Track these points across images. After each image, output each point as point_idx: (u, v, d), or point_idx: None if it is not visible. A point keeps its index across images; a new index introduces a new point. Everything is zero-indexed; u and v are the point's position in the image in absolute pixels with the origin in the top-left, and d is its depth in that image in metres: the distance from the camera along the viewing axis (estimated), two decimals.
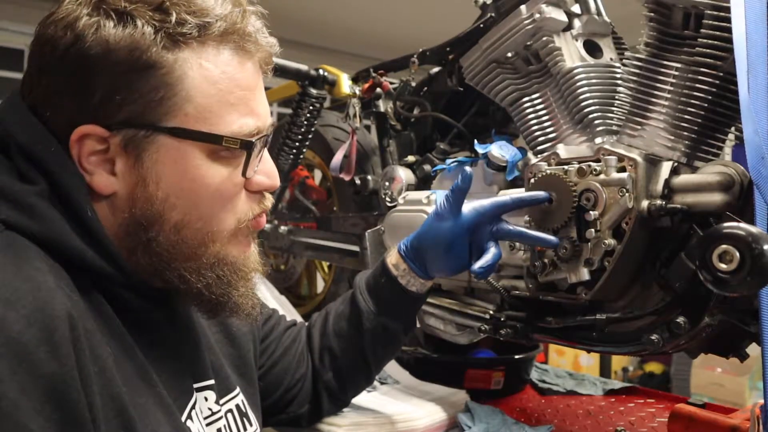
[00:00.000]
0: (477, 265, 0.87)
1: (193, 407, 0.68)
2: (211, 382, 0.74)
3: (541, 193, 0.88)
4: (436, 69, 1.31)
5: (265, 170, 0.69)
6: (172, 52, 0.60)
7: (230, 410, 0.76)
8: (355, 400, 1.04)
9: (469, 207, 0.89)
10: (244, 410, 0.79)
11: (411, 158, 1.32)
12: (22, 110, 0.62)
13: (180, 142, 0.61)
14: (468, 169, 0.88)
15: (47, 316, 0.51)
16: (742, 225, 0.67)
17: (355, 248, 1.39)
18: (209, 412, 0.72)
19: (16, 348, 0.49)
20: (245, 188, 0.67)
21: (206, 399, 0.72)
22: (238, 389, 0.80)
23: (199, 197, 0.63)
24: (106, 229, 0.61)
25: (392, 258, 0.96)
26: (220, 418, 0.73)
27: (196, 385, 0.71)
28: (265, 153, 0.69)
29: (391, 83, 1.38)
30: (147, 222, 0.62)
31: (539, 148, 1.00)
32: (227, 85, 0.63)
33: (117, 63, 0.58)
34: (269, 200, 0.72)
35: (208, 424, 0.71)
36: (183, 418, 0.65)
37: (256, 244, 0.74)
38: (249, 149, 0.64)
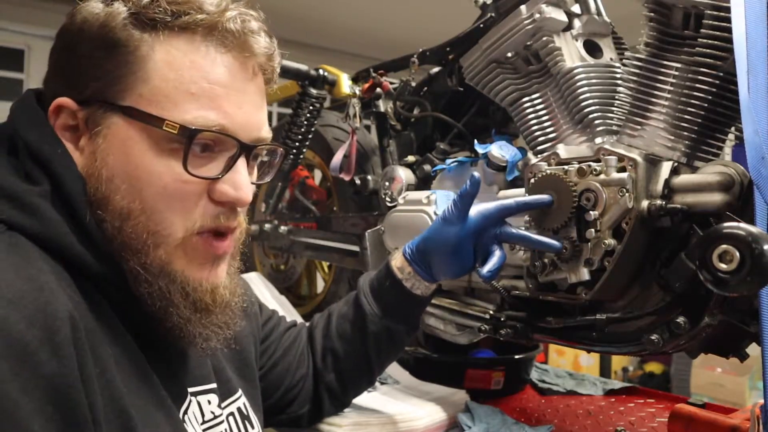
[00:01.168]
0: (485, 269, 0.88)
1: (186, 412, 0.68)
2: (213, 385, 0.74)
3: (545, 197, 0.88)
4: (436, 69, 1.31)
5: (234, 180, 0.64)
6: (139, 31, 0.60)
7: (232, 413, 0.76)
8: (356, 400, 1.04)
9: (474, 211, 0.89)
10: (246, 413, 0.79)
11: (411, 158, 1.32)
12: (34, 111, 0.63)
13: (130, 123, 0.61)
14: (476, 174, 0.88)
15: (49, 317, 0.51)
16: (742, 225, 0.67)
17: (355, 248, 1.39)
18: (211, 416, 0.72)
19: (18, 348, 0.49)
20: (209, 196, 0.63)
21: (209, 402, 0.72)
22: (240, 392, 0.80)
23: (143, 186, 0.60)
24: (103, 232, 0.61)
25: (397, 261, 0.95)
26: (222, 421, 0.73)
27: (195, 389, 0.71)
28: (242, 165, 0.64)
29: (391, 83, 1.38)
30: (95, 201, 0.61)
31: (539, 148, 1.00)
32: (192, 74, 0.61)
33: (89, 39, 0.61)
34: (236, 220, 0.66)
35: (207, 428, 0.70)
36: None
37: (232, 273, 0.69)
38: (190, 137, 0.60)
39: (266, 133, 0.67)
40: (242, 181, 0.64)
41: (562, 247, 0.86)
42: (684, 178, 0.81)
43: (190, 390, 0.70)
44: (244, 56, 0.64)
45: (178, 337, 0.65)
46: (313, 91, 1.47)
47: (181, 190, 0.61)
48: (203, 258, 0.65)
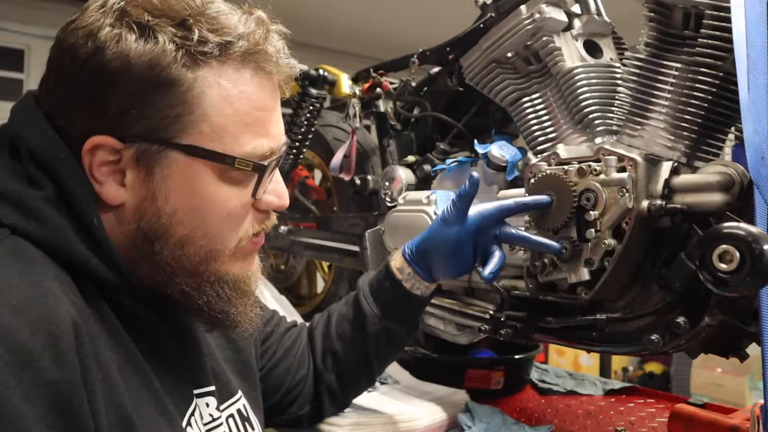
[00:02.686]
0: (486, 270, 0.88)
1: (192, 414, 0.68)
2: (212, 388, 0.74)
3: (544, 198, 0.88)
4: (436, 69, 1.31)
5: (275, 190, 0.69)
6: (191, 70, 0.60)
7: (231, 415, 0.76)
8: (356, 401, 1.04)
9: (474, 211, 0.89)
10: (246, 414, 0.79)
11: (411, 158, 1.32)
12: (35, 114, 0.62)
13: (192, 160, 0.61)
14: (475, 174, 0.88)
15: (52, 323, 0.51)
16: (742, 225, 0.67)
17: (355, 248, 1.39)
18: (210, 418, 0.72)
19: (20, 354, 0.49)
20: (253, 206, 0.68)
21: (207, 405, 0.72)
22: (239, 393, 0.80)
23: (207, 215, 0.63)
24: (111, 238, 0.61)
25: (396, 262, 0.95)
26: (221, 424, 0.73)
27: (196, 392, 0.71)
28: (277, 173, 0.69)
29: (391, 83, 1.37)
30: (153, 235, 0.62)
31: (539, 148, 1.00)
32: (244, 105, 0.63)
33: (136, 78, 0.58)
34: (273, 220, 0.72)
35: (208, 431, 0.71)
36: (183, 425, 0.65)
37: (258, 260, 0.74)
38: (261, 172, 0.65)
39: None
40: (282, 189, 0.70)
41: (561, 249, 0.86)
42: (684, 178, 0.81)
43: (194, 392, 0.70)
44: (277, 77, 0.67)
45: (230, 329, 0.70)
46: (313, 91, 1.47)
47: (240, 212, 0.66)
48: (248, 255, 0.70)
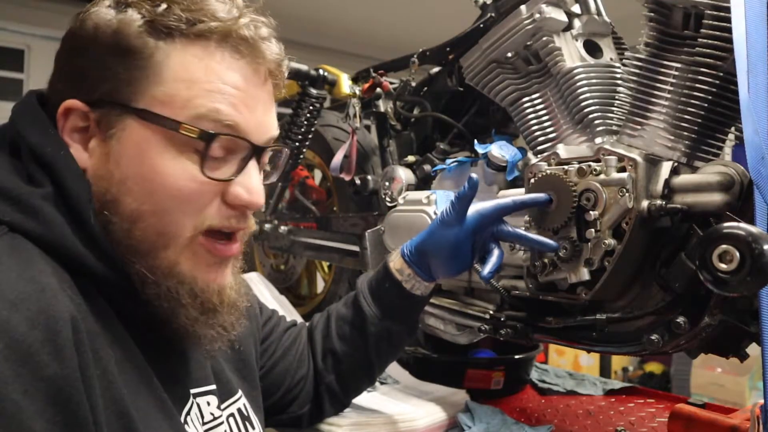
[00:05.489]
0: (485, 270, 0.88)
1: (188, 413, 0.68)
2: (212, 387, 0.74)
3: (542, 195, 0.88)
4: (436, 69, 1.31)
5: (246, 184, 0.64)
6: (155, 40, 0.61)
7: (232, 414, 0.76)
8: (356, 400, 1.04)
9: (472, 210, 0.89)
10: (246, 414, 0.79)
11: (411, 158, 1.32)
12: (36, 112, 0.63)
13: (145, 126, 0.61)
14: (474, 176, 0.88)
15: (51, 318, 0.51)
16: (742, 225, 0.67)
17: (355, 248, 1.39)
18: (210, 417, 0.72)
19: (19, 350, 0.49)
20: (223, 199, 0.64)
21: (208, 404, 0.72)
22: (240, 393, 0.80)
23: (156, 187, 0.60)
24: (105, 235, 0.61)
25: (395, 263, 0.95)
26: (222, 423, 0.73)
27: (195, 391, 0.71)
28: (253, 168, 0.65)
29: (391, 83, 1.38)
30: (104, 202, 0.61)
31: (539, 148, 1.00)
32: (208, 75, 0.61)
33: (102, 44, 0.61)
34: (248, 224, 0.67)
35: (208, 430, 0.70)
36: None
37: (236, 272, 0.69)
38: (208, 140, 0.61)
39: (275, 134, 0.69)
40: (255, 185, 0.65)
41: (558, 247, 0.86)
42: (684, 178, 0.81)
43: (192, 391, 0.70)
44: (256, 62, 0.65)
45: (183, 338, 0.66)
46: (313, 91, 1.47)
47: (195, 192, 0.62)
48: (210, 260, 0.65)
